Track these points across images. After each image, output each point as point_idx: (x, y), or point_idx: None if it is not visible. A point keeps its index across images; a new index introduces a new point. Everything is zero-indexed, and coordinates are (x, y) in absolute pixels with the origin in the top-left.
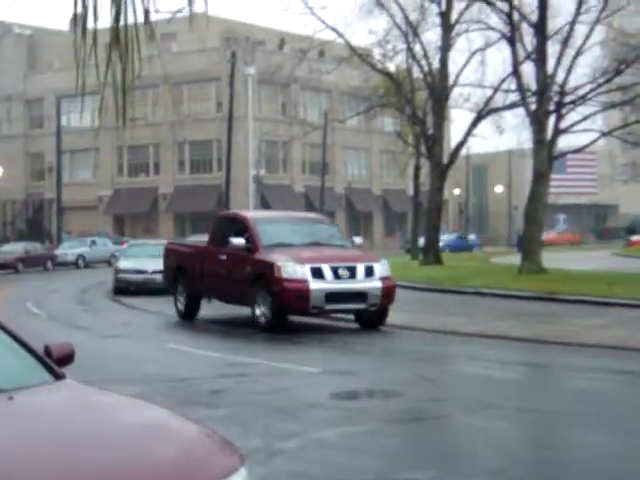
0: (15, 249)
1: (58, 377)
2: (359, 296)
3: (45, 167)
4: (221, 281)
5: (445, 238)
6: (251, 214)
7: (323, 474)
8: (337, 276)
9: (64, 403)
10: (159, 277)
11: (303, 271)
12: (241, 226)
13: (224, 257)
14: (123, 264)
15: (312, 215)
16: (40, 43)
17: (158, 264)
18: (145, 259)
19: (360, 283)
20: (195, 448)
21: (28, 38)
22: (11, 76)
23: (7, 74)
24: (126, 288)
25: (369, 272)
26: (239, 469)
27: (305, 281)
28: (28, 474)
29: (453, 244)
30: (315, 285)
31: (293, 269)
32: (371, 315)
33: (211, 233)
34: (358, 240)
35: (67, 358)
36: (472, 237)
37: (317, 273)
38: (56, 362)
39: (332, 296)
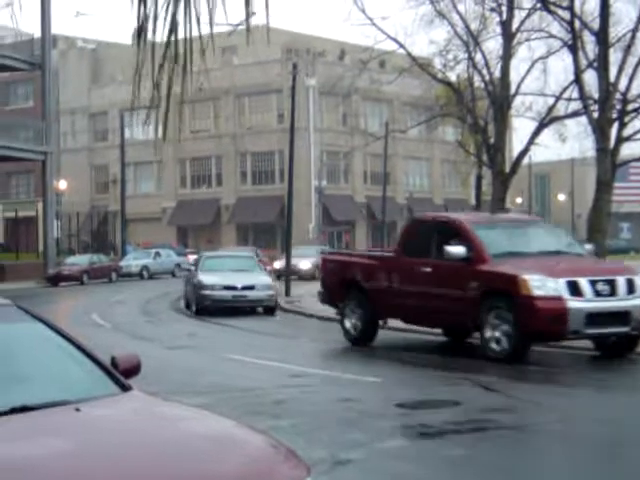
0: (80, 261)
1: (125, 388)
2: (622, 316)
3: (109, 179)
4: (424, 299)
5: None
6: (466, 217)
7: None
8: (597, 293)
9: (131, 415)
10: (251, 294)
11: (557, 286)
12: (452, 231)
13: (428, 270)
14: (207, 279)
15: (534, 218)
16: (103, 57)
17: (247, 278)
18: (229, 273)
19: (624, 301)
20: (261, 459)
21: (91, 52)
22: (75, 90)
23: (71, 88)
24: (213, 307)
25: (631, 287)
26: (305, 479)
27: (561, 299)
28: None
29: None
30: (574, 304)
31: (544, 284)
32: (623, 340)
33: (402, 240)
34: (590, 247)
35: (133, 369)
36: None
37: (574, 289)
38: (122, 373)
39: (594, 317)
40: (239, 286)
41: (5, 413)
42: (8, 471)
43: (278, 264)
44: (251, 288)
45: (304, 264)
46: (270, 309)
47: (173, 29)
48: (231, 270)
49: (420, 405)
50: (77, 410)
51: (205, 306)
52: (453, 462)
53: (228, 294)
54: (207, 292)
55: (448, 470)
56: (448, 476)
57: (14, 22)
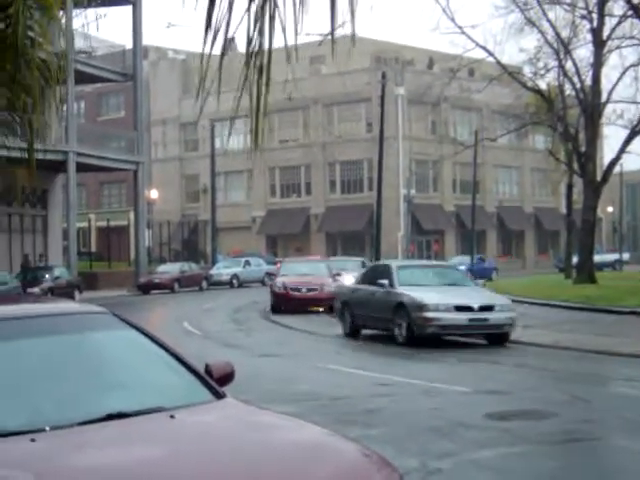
0: (171, 269)
1: (219, 396)
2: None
3: (200, 189)
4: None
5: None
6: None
7: None
8: (460, 309)
9: (225, 422)
10: (491, 316)
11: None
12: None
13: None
14: (427, 296)
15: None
16: (194, 67)
17: (477, 296)
18: (444, 289)
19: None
20: (354, 467)
21: (182, 62)
22: (166, 100)
23: (162, 98)
24: (437, 334)
25: (488, 308)
26: None
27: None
28: None
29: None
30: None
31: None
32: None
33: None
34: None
35: (227, 377)
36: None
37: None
38: (216, 381)
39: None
40: (475, 306)
41: (101, 419)
42: (102, 476)
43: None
44: (490, 309)
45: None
46: (504, 337)
47: (259, 39)
48: (440, 285)
49: (510, 415)
50: (172, 417)
51: (428, 333)
52: (544, 474)
53: (462, 318)
54: (430, 314)
55: None
56: None
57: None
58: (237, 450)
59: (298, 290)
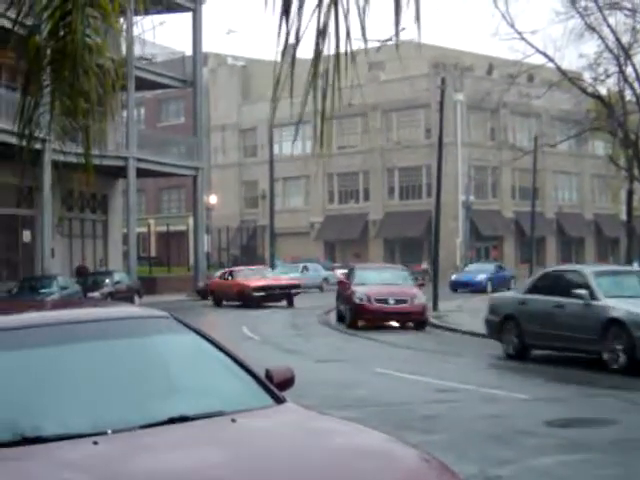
0: None
1: (279, 401)
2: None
3: (258, 194)
4: None
5: None
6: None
7: None
8: (391, 302)
9: (285, 427)
10: None
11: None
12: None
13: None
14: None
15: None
16: (253, 73)
17: None
18: None
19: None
20: (415, 473)
21: (241, 69)
22: (225, 106)
23: (222, 104)
24: None
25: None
26: None
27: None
28: None
29: None
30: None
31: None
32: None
33: None
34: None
35: (288, 382)
36: None
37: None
38: (277, 386)
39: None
40: None
41: (163, 423)
42: (164, 479)
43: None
44: None
45: None
46: None
47: (318, 45)
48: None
49: (569, 423)
50: (233, 421)
51: None
52: None
53: None
54: None
55: None
56: None
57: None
58: (298, 455)
59: (385, 302)
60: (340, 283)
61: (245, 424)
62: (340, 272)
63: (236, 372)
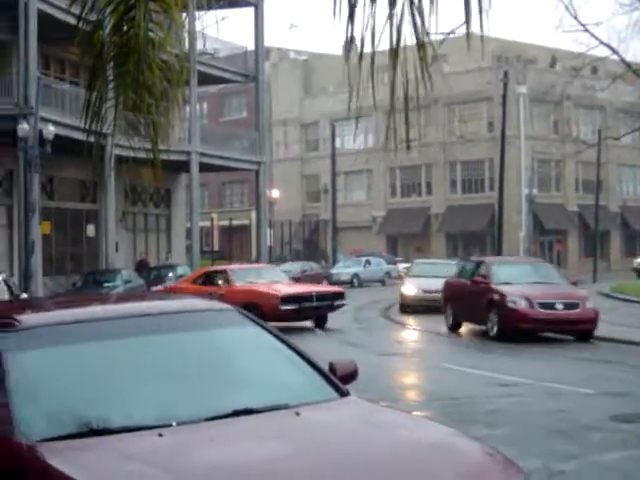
0: (293, 268)
1: (343, 394)
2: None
3: (320, 188)
4: None
5: None
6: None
7: None
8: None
9: (349, 420)
10: None
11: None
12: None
13: None
14: None
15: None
16: (315, 67)
17: None
18: None
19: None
20: (479, 467)
21: (303, 63)
22: (287, 101)
23: (283, 99)
24: None
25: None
26: None
27: None
28: None
29: None
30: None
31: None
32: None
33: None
34: None
35: (351, 375)
36: None
37: None
38: (340, 379)
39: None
40: None
41: (228, 415)
42: (229, 471)
43: None
44: None
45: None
46: None
47: (395, 39)
48: None
49: (635, 419)
50: (297, 414)
51: None
52: None
53: None
54: None
55: None
56: None
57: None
58: (362, 448)
59: (551, 307)
60: (461, 282)
61: (309, 417)
62: (402, 266)
63: (299, 365)
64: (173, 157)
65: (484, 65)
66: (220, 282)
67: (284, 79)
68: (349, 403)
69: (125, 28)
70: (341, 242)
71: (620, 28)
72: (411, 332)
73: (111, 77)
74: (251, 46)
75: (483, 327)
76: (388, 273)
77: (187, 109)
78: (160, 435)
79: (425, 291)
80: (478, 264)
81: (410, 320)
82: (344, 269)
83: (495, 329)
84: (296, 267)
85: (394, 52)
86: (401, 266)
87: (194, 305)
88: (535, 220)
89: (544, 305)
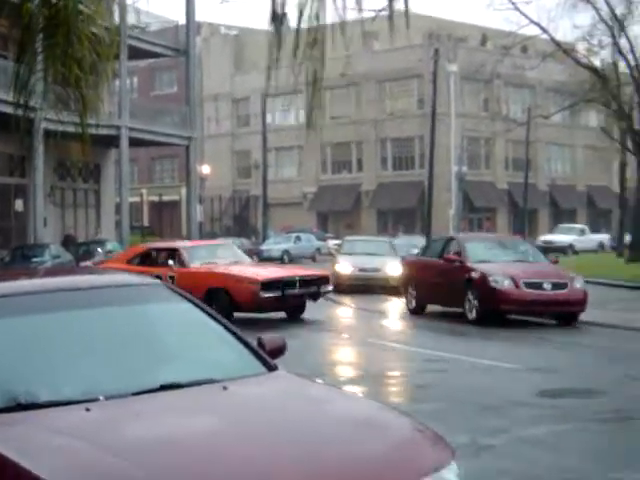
0: None
1: (271, 368)
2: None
3: (251, 164)
4: None
5: None
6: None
7: (530, 472)
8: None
9: (276, 394)
10: None
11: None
12: None
13: None
14: None
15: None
16: (246, 43)
17: None
18: None
19: None
20: (407, 441)
21: (234, 38)
22: (218, 76)
23: (214, 74)
24: None
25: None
26: (450, 462)
27: None
28: (238, 463)
29: None
30: None
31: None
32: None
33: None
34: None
35: (279, 350)
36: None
37: None
38: (269, 354)
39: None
40: None
41: (155, 390)
42: (156, 445)
43: None
44: None
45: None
46: None
47: (301, 15)
48: None
49: (561, 393)
50: (224, 388)
51: None
52: (595, 451)
53: None
54: None
55: (591, 459)
56: (592, 465)
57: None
58: (290, 422)
59: (538, 286)
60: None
61: (236, 391)
62: (332, 242)
63: (228, 340)
64: (102, 132)
65: (415, 43)
66: (171, 262)
67: (215, 54)
68: (277, 377)
69: (54, 0)
70: (272, 218)
71: (550, 7)
72: (344, 310)
73: (40, 49)
74: (182, 20)
75: (458, 310)
76: (318, 249)
77: (117, 83)
78: (87, 410)
79: (361, 269)
80: (447, 241)
81: (345, 299)
82: (274, 245)
83: (474, 312)
84: None
85: (314, 30)
86: (331, 242)
87: (124, 280)
88: (465, 198)
89: (530, 285)
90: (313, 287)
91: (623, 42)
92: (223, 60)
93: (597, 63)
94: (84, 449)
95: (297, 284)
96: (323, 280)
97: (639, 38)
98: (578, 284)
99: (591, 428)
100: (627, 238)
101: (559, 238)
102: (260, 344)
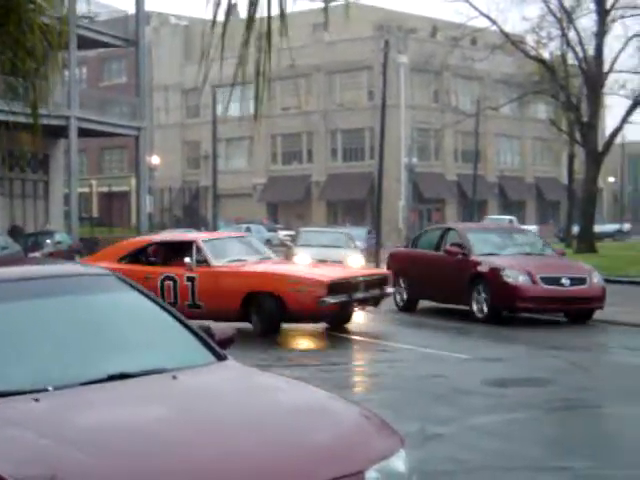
0: None
1: (220, 358)
2: None
3: (201, 155)
4: None
5: None
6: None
7: (479, 459)
8: None
9: (226, 383)
10: None
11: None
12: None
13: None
14: None
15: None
16: (196, 33)
17: None
18: None
19: None
20: (355, 429)
21: (184, 28)
22: (168, 66)
23: (164, 64)
24: None
25: None
26: (399, 450)
27: None
28: (188, 451)
29: None
30: None
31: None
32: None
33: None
34: None
35: (229, 340)
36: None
37: None
38: (218, 344)
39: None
40: None
41: (103, 380)
42: (106, 433)
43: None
44: None
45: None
46: None
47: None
48: None
49: (509, 382)
50: (174, 378)
51: None
52: (542, 439)
53: None
54: None
55: (538, 447)
56: (539, 453)
57: None
58: (239, 410)
59: (556, 282)
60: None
61: (186, 380)
62: (283, 233)
63: (177, 330)
64: (52, 122)
65: (365, 34)
66: (188, 260)
67: (165, 44)
68: (227, 367)
69: None
70: (222, 209)
71: None
72: None
73: None
74: (132, 10)
75: (458, 307)
76: (269, 240)
77: (66, 73)
78: (36, 400)
79: (321, 262)
80: (444, 232)
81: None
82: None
83: (483, 310)
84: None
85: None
86: (282, 233)
87: (73, 270)
88: (414, 189)
89: (548, 280)
90: (376, 290)
91: (572, 34)
92: (173, 50)
93: (546, 55)
94: (34, 439)
95: (362, 286)
96: (385, 281)
97: (587, 30)
98: (596, 279)
99: (538, 417)
100: (575, 229)
101: None
102: (210, 334)
